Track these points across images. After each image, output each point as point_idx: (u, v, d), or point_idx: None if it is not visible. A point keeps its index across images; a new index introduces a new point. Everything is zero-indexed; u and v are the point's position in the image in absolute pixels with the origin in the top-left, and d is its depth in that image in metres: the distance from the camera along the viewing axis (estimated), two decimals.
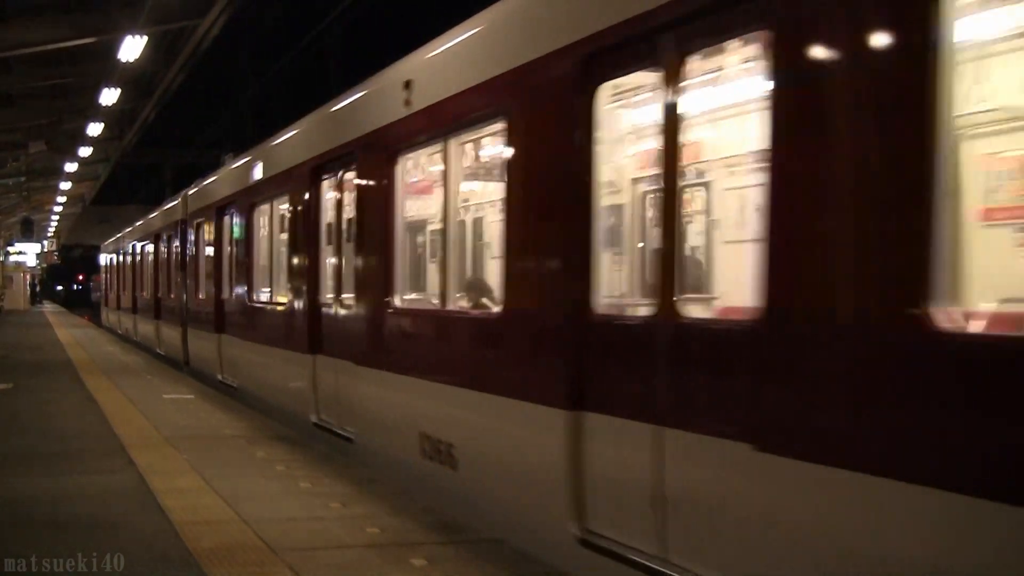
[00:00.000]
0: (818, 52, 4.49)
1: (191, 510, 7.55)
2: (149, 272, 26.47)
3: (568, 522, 6.08)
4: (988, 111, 5.41)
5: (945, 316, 3.84)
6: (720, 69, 5.68)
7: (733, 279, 5.73)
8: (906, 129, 4.01)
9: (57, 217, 71.08)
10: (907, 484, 3.91)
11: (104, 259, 43.67)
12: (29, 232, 64.88)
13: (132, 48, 21.69)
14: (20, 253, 65.46)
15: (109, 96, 27.20)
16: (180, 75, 27.92)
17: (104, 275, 44.42)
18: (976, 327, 4.09)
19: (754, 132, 4.97)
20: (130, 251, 31.82)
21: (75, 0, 21.14)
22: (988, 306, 4.53)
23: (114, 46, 22.12)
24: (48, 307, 68.83)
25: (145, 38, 21.44)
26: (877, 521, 4.06)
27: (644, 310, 5.79)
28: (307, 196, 11.57)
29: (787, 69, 4.58)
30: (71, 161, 41.32)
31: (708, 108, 6.07)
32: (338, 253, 10.79)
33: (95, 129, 32.97)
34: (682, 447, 5.23)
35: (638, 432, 5.51)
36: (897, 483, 3.95)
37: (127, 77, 26.16)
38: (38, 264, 75.91)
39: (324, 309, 11.06)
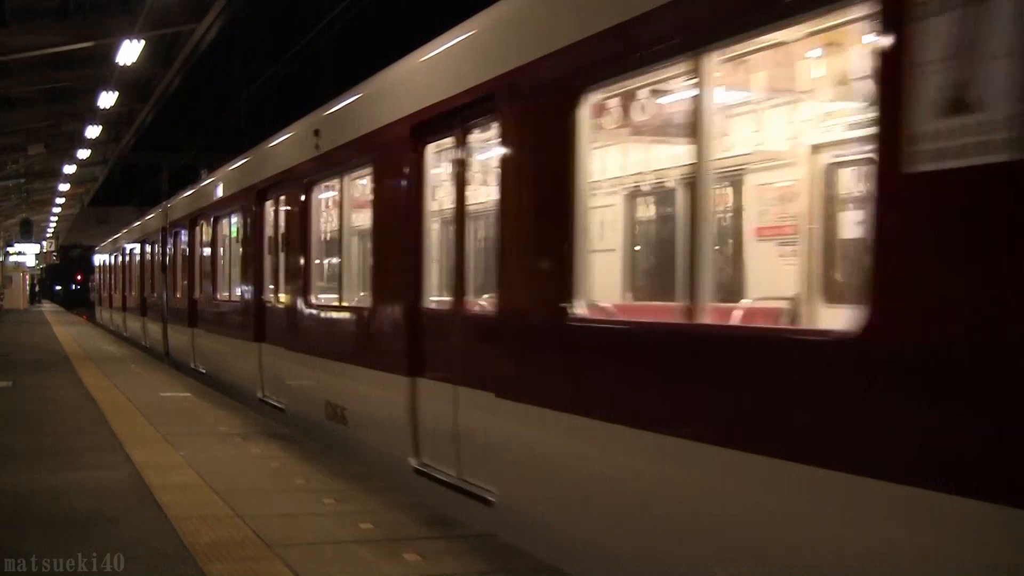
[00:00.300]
0: (523, 136, 6.83)
1: (187, 506, 7.60)
2: (136, 274, 29.06)
3: (410, 458, 8.48)
4: (751, 153, 7.45)
5: (580, 309, 6.12)
6: (485, 140, 7.72)
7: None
8: (559, 190, 6.22)
9: (56, 218, 71.11)
10: (569, 414, 6.15)
11: (97, 261, 45.66)
12: (28, 233, 64.98)
13: (129, 52, 21.81)
14: (19, 253, 65.56)
15: (107, 99, 27.30)
16: (177, 79, 28.06)
17: (97, 276, 46.51)
18: (598, 315, 6.34)
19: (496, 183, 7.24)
20: (120, 254, 34.08)
21: (74, 5, 21.23)
22: (608, 303, 7.04)
23: (112, 50, 22.24)
24: (47, 306, 68.74)
25: (142, 42, 21.57)
26: (568, 439, 6.22)
27: (446, 306, 8.15)
28: (254, 214, 14.27)
29: (506, 145, 6.97)
30: (69, 163, 41.40)
31: (480, 166, 8.04)
32: (275, 260, 13.32)
33: (93, 132, 33.07)
34: (464, 398, 7.56)
35: (444, 390, 7.90)
36: (566, 414, 6.19)
37: (125, 81, 26.29)
38: (37, 264, 75.93)
39: (267, 305, 13.66)
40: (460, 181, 7.88)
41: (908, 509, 3.90)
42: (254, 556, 6.36)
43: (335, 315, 11.10)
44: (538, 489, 6.65)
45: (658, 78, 5.86)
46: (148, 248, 26.50)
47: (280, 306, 12.91)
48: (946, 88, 3.82)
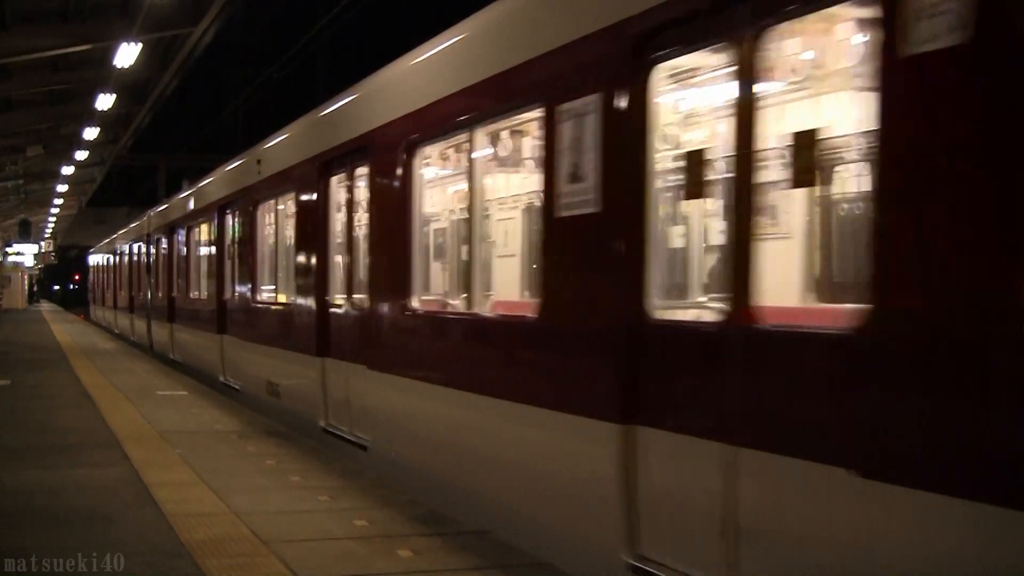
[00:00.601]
0: (382, 174, 9.18)
1: (184, 503, 7.67)
2: (125, 275, 31.60)
3: (320, 420, 10.69)
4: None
5: (414, 303, 8.55)
6: (363, 176, 9.90)
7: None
8: (402, 214, 8.65)
9: (54, 219, 71.11)
10: (407, 379, 8.48)
11: (91, 263, 47.50)
12: (27, 233, 64.96)
13: (127, 55, 21.91)
14: (18, 254, 65.55)
15: (105, 101, 27.39)
16: (174, 81, 28.14)
17: (91, 277, 48.31)
18: (424, 307, 8.63)
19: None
20: (110, 257, 36.91)
21: (73, 9, 21.32)
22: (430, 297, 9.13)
23: (110, 53, 22.34)
24: (45, 306, 68.70)
25: (140, 45, 21.67)
26: (406, 395, 8.55)
27: (341, 301, 10.44)
28: (217, 225, 16.99)
29: (373, 180, 9.45)
30: (67, 164, 41.46)
31: (361, 195, 10.14)
32: (232, 264, 15.81)
33: (91, 133, 33.14)
34: (351, 371, 9.81)
35: (341, 366, 10.15)
36: (406, 378, 8.54)
37: (122, 83, 26.37)
38: (35, 264, 75.90)
39: (227, 303, 15.96)
40: (350, 206, 10.36)
41: (577, 428, 5.94)
42: (250, 552, 6.42)
43: (272, 310, 13.61)
44: (392, 434, 9.04)
45: (458, 138, 8.14)
46: (135, 252, 29.09)
47: (236, 303, 15.45)
48: (568, 170, 6.07)
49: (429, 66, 8.61)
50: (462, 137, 7.90)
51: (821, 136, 4.93)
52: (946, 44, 3.76)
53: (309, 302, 11.22)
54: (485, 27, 7.63)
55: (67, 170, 43.13)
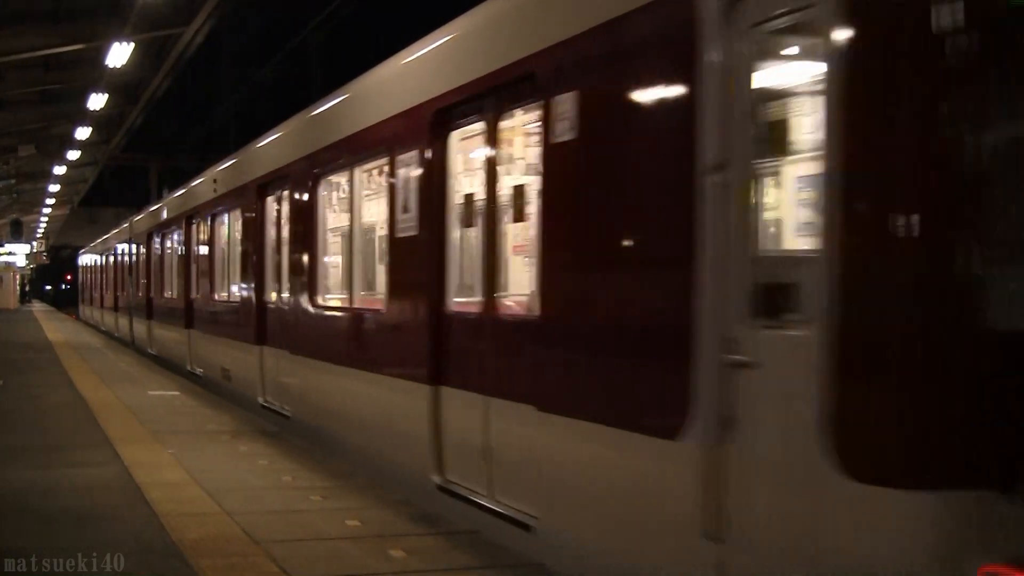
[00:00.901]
0: (297, 196, 11.79)
1: (176, 503, 7.68)
2: (110, 277, 34.27)
3: (259, 398, 12.92)
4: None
5: (319, 299, 11.02)
6: (286, 199, 12.39)
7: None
8: (310, 228, 11.11)
9: (46, 219, 70.92)
10: (316, 360, 10.72)
11: (79, 265, 49.60)
12: (18, 233, 64.75)
13: (119, 55, 21.88)
14: (10, 254, 65.35)
15: (97, 101, 27.34)
16: (166, 81, 28.10)
17: (80, 277, 50.40)
18: (323, 303, 10.97)
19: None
20: (97, 259, 39.49)
21: (64, 8, 21.29)
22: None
23: (102, 53, 22.30)
24: (37, 306, 68.66)
25: (132, 45, 21.64)
26: (316, 373, 10.67)
27: (273, 297, 12.80)
28: (185, 233, 19.52)
29: (291, 201, 12.03)
30: (60, 164, 41.35)
31: (286, 212, 12.42)
32: (197, 267, 18.50)
33: (83, 133, 33.07)
34: (280, 355, 12.15)
35: (274, 352, 12.34)
36: (314, 359, 10.72)
37: (115, 83, 26.32)
38: (28, 264, 75.70)
39: (193, 302, 18.58)
40: (278, 221, 12.73)
41: (407, 389, 8.12)
42: (242, 552, 6.44)
43: (225, 307, 15.97)
44: (302, 402, 11.22)
45: (344, 174, 10.46)
46: (118, 255, 31.55)
47: (200, 302, 18.09)
48: (402, 203, 8.33)
49: (323, 117, 11.16)
50: (345, 173, 10.33)
51: (525, 189, 6.92)
52: (568, 138, 6.03)
53: (251, 299, 13.68)
54: (358, 91, 10.18)
55: (59, 170, 43.04)
